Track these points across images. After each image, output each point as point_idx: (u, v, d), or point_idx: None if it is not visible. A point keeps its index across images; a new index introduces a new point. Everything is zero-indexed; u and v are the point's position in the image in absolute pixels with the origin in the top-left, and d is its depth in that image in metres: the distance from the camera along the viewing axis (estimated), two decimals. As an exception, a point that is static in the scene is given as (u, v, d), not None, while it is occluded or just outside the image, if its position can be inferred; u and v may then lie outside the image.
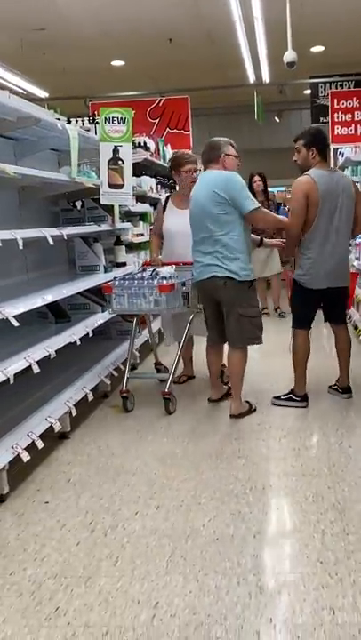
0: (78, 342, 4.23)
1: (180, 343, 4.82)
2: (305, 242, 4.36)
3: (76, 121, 5.66)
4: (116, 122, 5.15)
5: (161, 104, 9.36)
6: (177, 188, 5.42)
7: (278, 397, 4.63)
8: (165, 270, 4.62)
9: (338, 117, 8.90)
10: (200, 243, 4.32)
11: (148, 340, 6.23)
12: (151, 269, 4.74)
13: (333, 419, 4.26)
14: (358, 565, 2.53)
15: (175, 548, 2.74)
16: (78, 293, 4.62)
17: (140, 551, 2.74)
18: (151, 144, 7.00)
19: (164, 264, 4.94)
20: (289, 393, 4.60)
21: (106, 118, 5.15)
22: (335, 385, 4.75)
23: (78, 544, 2.83)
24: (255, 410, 4.46)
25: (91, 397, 4.39)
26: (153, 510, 3.09)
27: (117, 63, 10.60)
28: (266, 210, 4.64)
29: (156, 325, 6.32)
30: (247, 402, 4.49)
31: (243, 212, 4.14)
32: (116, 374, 5.02)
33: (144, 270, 4.87)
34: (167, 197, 5.21)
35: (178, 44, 9.41)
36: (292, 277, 4.58)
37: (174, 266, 4.75)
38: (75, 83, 10.73)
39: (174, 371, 4.63)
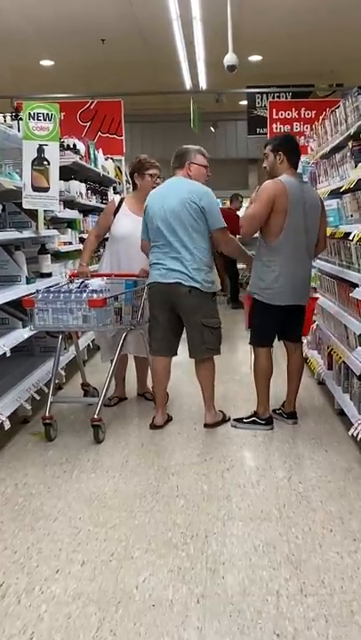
0: (-6, 363, 3.71)
1: (111, 361, 4.37)
2: (269, 252, 4.00)
3: (-3, 116, 5.12)
4: (41, 118, 4.65)
5: (92, 107, 8.87)
6: (128, 191, 4.97)
7: (240, 420, 4.26)
8: (95, 283, 4.18)
9: (276, 128, 8.66)
10: (166, 245, 4.07)
11: (75, 357, 5.75)
12: (79, 281, 4.28)
13: (280, 448, 3.88)
14: (321, 638, 2.13)
15: (103, 618, 2.27)
16: (-4, 307, 4.10)
17: (60, 623, 2.25)
18: (81, 146, 6.51)
19: (93, 275, 4.50)
20: (252, 415, 4.24)
21: (30, 114, 4.65)
22: (280, 409, 4.40)
23: (-15, 614, 2.32)
24: (229, 419, 4.33)
25: (8, 425, 3.85)
26: (77, 567, 2.61)
27: (46, 63, 10.06)
28: (231, 236, 4.35)
29: (82, 342, 5.86)
30: (220, 411, 4.38)
31: (213, 227, 4.08)
32: (38, 397, 4.49)
33: (70, 282, 4.41)
34: (121, 200, 4.78)
35: (111, 44, 8.98)
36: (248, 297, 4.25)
37: (105, 278, 4.32)
38: (-1, 81, 10.14)
39: (105, 393, 4.16)
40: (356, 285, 3.69)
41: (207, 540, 2.79)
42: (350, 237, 3.55)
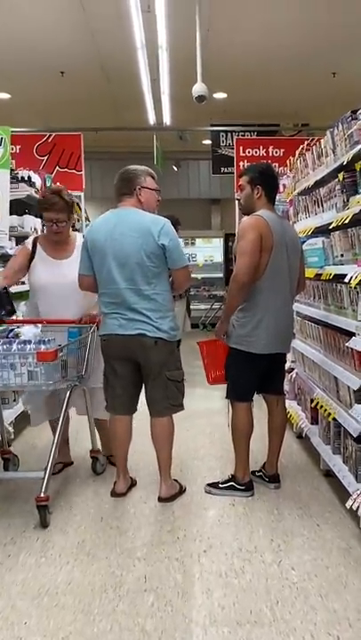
0: None
1: (55, 422, 3.76)
2: (250, 295, 3.52)
3: None
4: (-10, 143, 4.17)
5: (50, 140, 8.40)
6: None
7: (215, 485, 3.72)
8: (30, 332, 3.55)
9: (243, 166, 8.31)
10: (121, 294, 3.47)
11: (24, 410, 5.14)
12: (6, 330, 3.60)
13: (264, 522, 3.34)
14: None
15: None
16: None
17: None
18: (37, 179, 6.03)
19: (21, 322, 3.83)
20: (229, 480, 3.71)
21: (-22, 138, 4.16)
22: (260, 471, 3.88)
23: None
24: (185, 490, 3.76)
25: None
26: None
27: (2, 95, 9.62)
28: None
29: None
30: (175, 480, 3.77)
31: (174, 266, 3.52)
32: (-19, 460, 3.87)
33: None
34: (35, 239, 4.01)
35: (71, 77, 8.60)
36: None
37: (40, 325, 3.68)
38: None
39: (51, 465, 3.42)
40: (350, 333, 3.24)
41: (186, 656, 2.22)
42: (345, 280, 3.10)
